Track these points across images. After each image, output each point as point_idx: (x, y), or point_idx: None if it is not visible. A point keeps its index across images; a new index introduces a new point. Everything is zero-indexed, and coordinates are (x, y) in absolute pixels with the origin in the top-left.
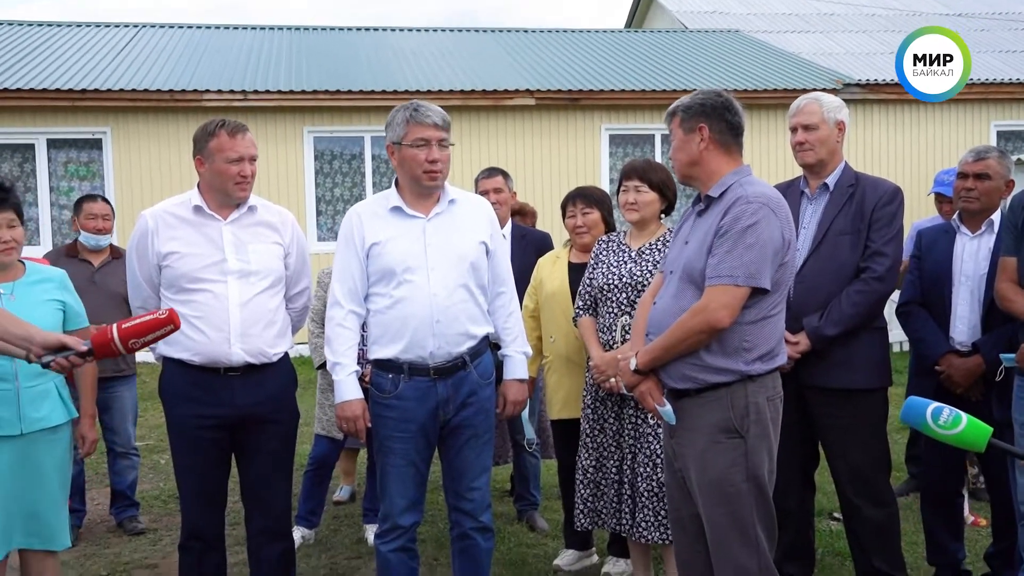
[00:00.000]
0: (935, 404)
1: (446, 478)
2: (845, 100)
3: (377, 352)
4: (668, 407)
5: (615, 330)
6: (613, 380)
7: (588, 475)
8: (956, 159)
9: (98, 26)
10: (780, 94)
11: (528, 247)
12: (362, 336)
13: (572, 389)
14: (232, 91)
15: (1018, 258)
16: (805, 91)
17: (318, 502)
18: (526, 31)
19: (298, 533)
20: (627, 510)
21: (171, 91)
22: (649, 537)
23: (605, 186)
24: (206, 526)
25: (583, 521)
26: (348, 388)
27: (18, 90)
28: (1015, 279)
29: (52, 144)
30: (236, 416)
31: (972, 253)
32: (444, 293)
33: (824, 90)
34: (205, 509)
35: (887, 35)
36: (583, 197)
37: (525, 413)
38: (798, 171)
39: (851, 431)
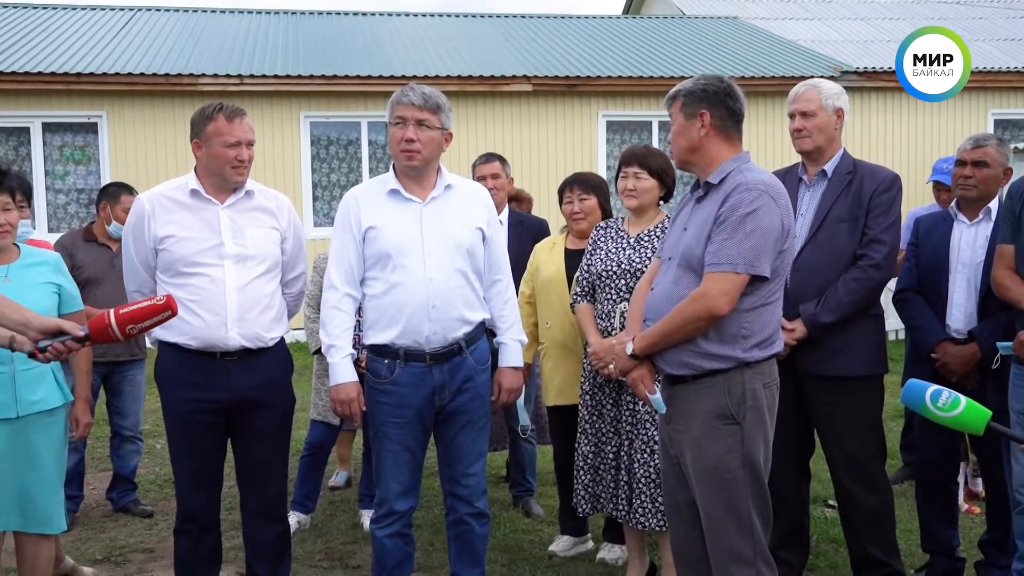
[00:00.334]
0: (934, 386)
1: (442, 464)
2: (843, 88)
3: (373, 337)
4: (659, 395)
5: (613, 316)
6: (611, 367)
7: (588, 461)
8: (954, 147)
9: (94, 9)
10: (777, 81)
11: (525, 233)
12: (358, 321)
13: (568, 375)
14: (228, 75)
15: (1015, 246)
16: (802, 78)
17: (314, 487)
18: (523, 17)
19: (294, 518)
20: (623, 496)
21: (167, 75)
22: (646, 523)
23: (602, 172)
24: (202, 510)
25: (584, 506)
26: (343, 370)
27: (13, 73)
28: (1012, 266)
29: (47, 128)
30: (232, 400)
31: (969, 241)
32: (440, 278)
33: (821, 77)
34: (201, 493)
35: (885, 23)
36: (580, 183)
37: (520, 400)
38: (796, 158)
39: (847, 418)
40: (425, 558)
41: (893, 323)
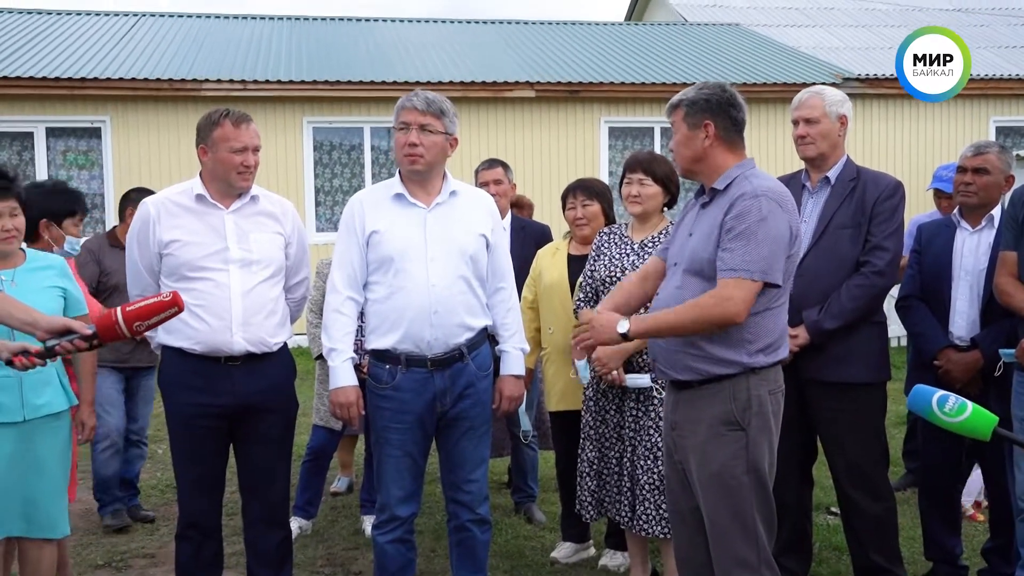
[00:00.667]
0: (941, 392)
1: (443, 470)
2: (845, 95)
3: (374, 342)
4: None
5: None
6: (615, 373)
7: (593, 466)
8: (955, 154)
9: (98, 15)
10: (779, 88)
11: (528, 239)
12: (360, 326)
13: (570, 381)
14: (232, 80)
15: (1018, 253)
16: (804, 85)
17: (315, 493)
18: (526, 23)
19: (295, 524)
20: (626, 502)
21: (170, 80)
22: (650, 531)
23: (604, 178)
24: (204, 516)
25: (590, 512)
26: (343, 374)
27: (17, 78)
28: (1015, 273)
29: (51, 132)
30: (236, 405)
31: (972, 248)
32: (442, 284)
33: (823, 84)
34: (203, 499)
35: (887, 30)
36: (584, 189)
37: (522, 406)
38: (798, 164)
39: (849, 425)
40: (427, 564)
41: (896, 330)
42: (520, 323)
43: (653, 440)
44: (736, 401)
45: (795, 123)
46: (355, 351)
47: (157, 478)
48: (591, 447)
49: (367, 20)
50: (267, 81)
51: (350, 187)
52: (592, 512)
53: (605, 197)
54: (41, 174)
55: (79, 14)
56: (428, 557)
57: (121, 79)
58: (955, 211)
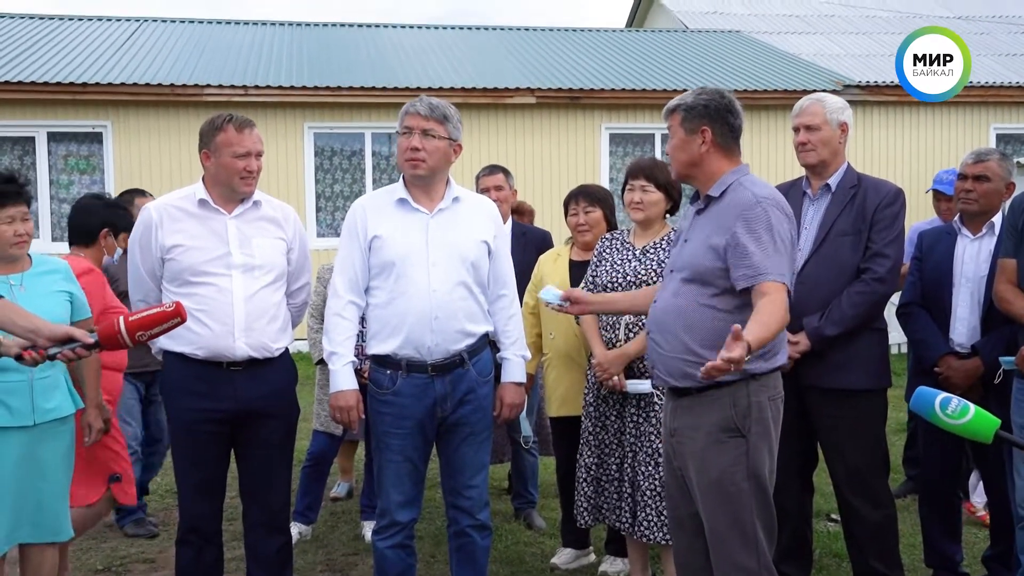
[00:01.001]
0: (944, 394)
1: (444, 475)
2: (846, 102)
3: (375, 347)
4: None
5: (618, 328)
6: (616, 378)
7: (591, 472)
8: (956, 162)
9: (99, 20)
10: (780, 95)
11: (528, 245)
12: (361, 332)
13: (571, 386)
14: (233, 86)
15: (1017, 260)
16: (805, 92)
17: (315, 498)
18: (527, 29)
19: (295, 529)
20: (627, 508)
21: (172, 85)
22: (651, 536)
23: (604, 185)
24: (205, 521)
25: (586, 518)
26: (343, 378)
27: (19, 83)
28: (1014, 281)
29: (52, 137)
30: (238, 410)
31: (973, 255)
32: (444, 289)
33: (824, 91)
34: (204, 504)
35: (887, 37)
36: (586, 195)
37: (523, 411)
38: (798, 171)
39: (850, 432)
40: (426, 570)
41: (896, 336)
42: (521, 330)
43: (654, 446)
44: (736, 408)
45: (796, 130)
46: (356, 356)
47: (156, 483)
48: (590, 453)
49: (368, 26)
50: (268, 87)
51: (351, 193)
52: (588, 518)
53: (607, 203)
54: (42, 179)
55: (81, 19)
56: (428, 563)
57: (123, 84)
58: (956, 218)
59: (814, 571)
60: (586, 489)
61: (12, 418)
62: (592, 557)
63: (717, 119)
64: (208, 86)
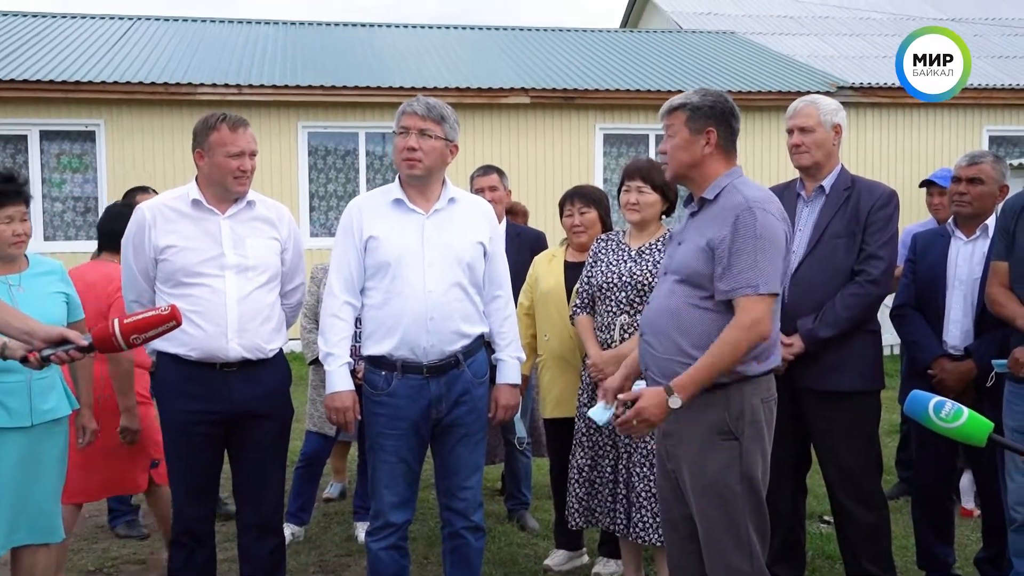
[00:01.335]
0: (938, 397)
1: (438, 476)
2: (840, 103)
3: (370, 348)
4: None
5: (613, 329)
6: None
7: (583, 474)
8: (949, 163)
9: (92, 18)
10: (774, 96)
11: (523, 245)
12: (356, 332)
13: (565, 388)
14: (227, 85)
15: (1009, 263)
16: (799, 94)
17: (308, 499)
18: (522, 29)
19: (288, 530)
20: (621, 510)
21: (165, 84)
22: (646, 538)
23: (599, 185)
24: (198, 523)
25: (577, 519)
26: (339, 379)
27: (11, 81)
28: (1006, 283)
29: (45, 136)
30: (232, 412)
31: (967, 257)
32: (439, 290)
33: (817, 93)
34: (198, 506)
35: (881, 39)
36: (581, 196)
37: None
38: (792, 173)
39: (843, 434)
40: (420, 571)
41: (889, 338)
42: (517, 332)
43: (648, 447)
44: (729, 410)
45: (790, 132)
46: (351, 356)
47: None
48: (583, 454)
49: (363, 25)
50: (262, 86)
51: (345, 192)
52: (579, 519)
53: (602, 204)
54: (35, 177)
55: (74, 17)
56: (421, 564)
57: (116, 83)
58: (950, 221)
59: (807, 573)
60: (578, 490)
61: (11, 419)
62: (585, 559)
63: (722, 121)
64: (202, 85)
